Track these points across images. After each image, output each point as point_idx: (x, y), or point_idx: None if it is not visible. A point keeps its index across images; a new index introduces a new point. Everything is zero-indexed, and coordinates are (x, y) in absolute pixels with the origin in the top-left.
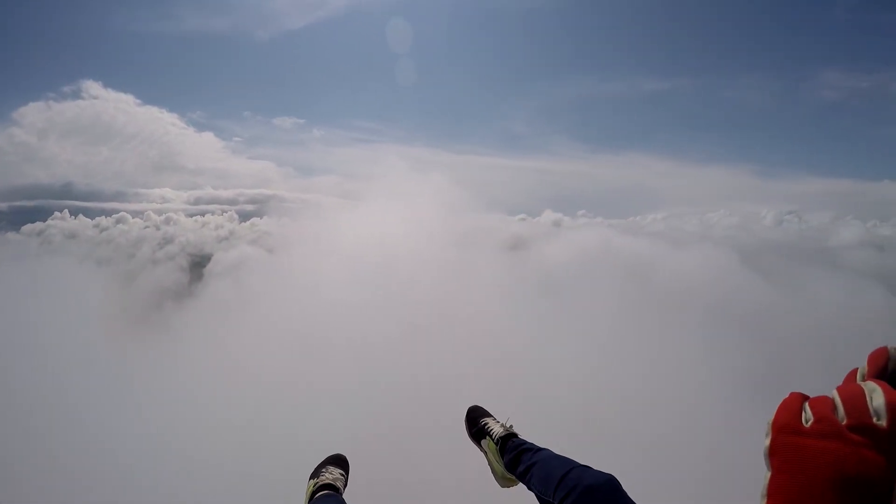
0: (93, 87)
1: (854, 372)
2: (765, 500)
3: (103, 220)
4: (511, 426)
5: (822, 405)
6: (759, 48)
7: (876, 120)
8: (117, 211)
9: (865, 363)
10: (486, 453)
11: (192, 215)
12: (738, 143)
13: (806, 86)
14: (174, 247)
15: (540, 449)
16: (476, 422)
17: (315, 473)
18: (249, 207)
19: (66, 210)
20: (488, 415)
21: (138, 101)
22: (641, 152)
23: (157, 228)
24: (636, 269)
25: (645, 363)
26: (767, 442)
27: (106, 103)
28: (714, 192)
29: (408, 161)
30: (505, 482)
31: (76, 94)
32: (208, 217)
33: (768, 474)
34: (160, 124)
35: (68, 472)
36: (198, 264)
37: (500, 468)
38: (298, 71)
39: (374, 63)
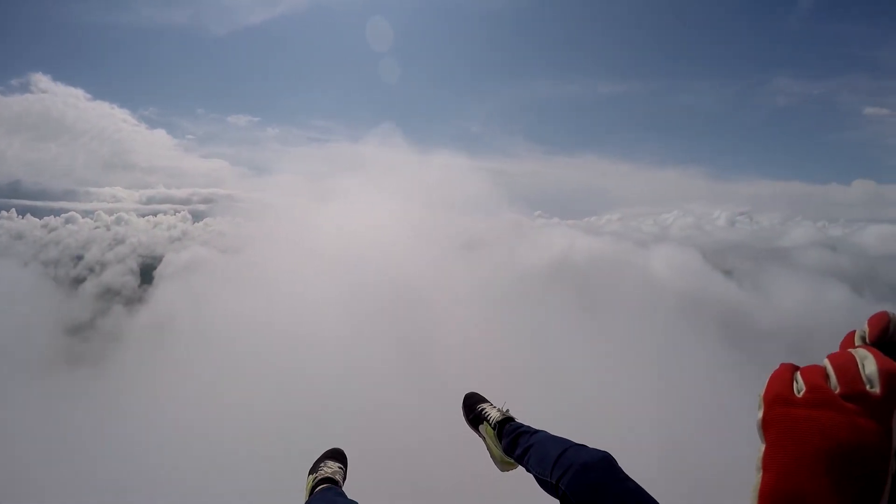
0: (42, 80)
1: (851, 334)
2: (760, 474)
3: (52, 220)
4: (507, 410)
5: (814, 374)
6: (713, 54)
7: (825, 126)
8: (66, 210)
9: (865, 325)
10: (484, 438)
11: (144, 215)
12: (692, 146)
13: (759, 91)
14: (125, 248)
15: (536, 431)
16: (473, 408)
17: (314, 468)
18: (203, 207)
19: (14, 209)
20: (485, 400)
21: (88, 95)
22: (596, 154)
23: (108, 229)
24: (604, 268)
25: (621, 361)
26: (760, 415)
27: (55, 98)
28: (667, 193)
29: (364, 160)
30: (504, 466)
31: (24, 88)
32: (161, 217)
33: (762, 447)
34: (111, 120)
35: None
36: (149, 266)
37: (498, 452)
38: (254, 68)
39: (331, 61)
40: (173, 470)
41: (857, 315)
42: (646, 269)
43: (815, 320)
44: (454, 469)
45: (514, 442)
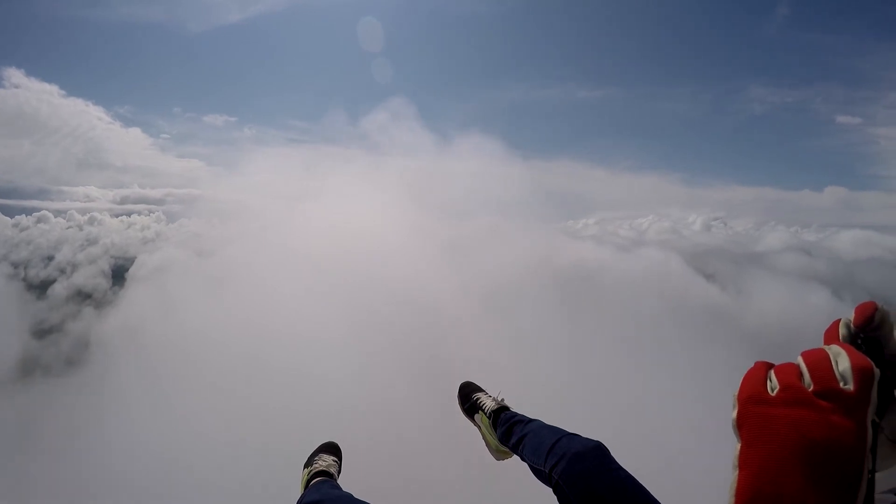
0: (15, 75)
1: (837, 322)
2: (736, 472)
3: (23, 220)
4: (503, 399)
5: (788, 372)
6: (690, 61)
7: (798, 133)
8: (39, 209)
9: (851, 313)
10: (479, 427)
11: (117, 215)
12: (667, 152)
13: (734, 99)
14: (97, 249)
15: (531, 420)
16: (468, 397)
17: (308, 462)
18: (178, 208)
19: None
20: (480, 389)
21: (63, 92)
22: (572, 158)
23: (81, 229)
24: (587, 271)
25: (606, 363)
26: (734, 414)
27: (28, 93)
28: (643, 197)
29: (341, 162)
30: (499, 455)
31: None
32: (135, 217)
33: (738, 446)
34: (85, 118)
35: None
36: (121, 268)
37: (493, 441)
38: (232, 67)
39: (309, 62)
40: (146, 477)
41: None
42: (629, 273)
43: (799, 324)
44: (447, 461)
45: (509, 431)
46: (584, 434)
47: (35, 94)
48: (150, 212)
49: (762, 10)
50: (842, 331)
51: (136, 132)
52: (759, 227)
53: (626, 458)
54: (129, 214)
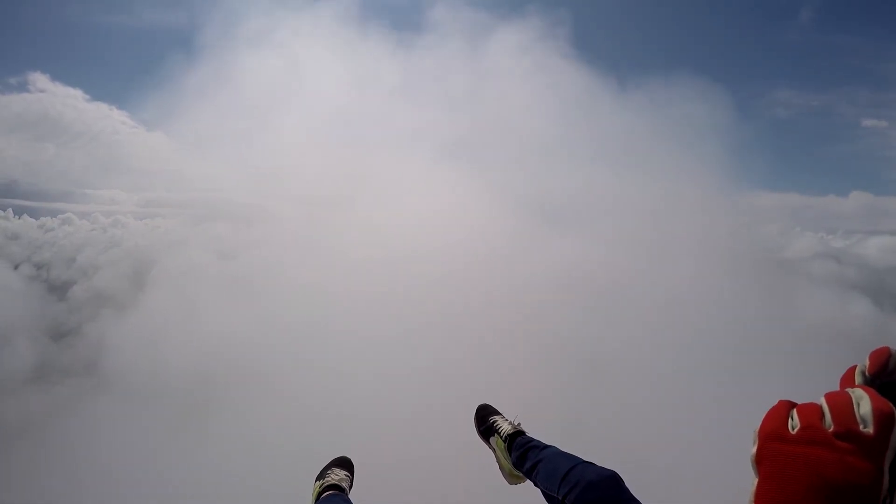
0: (40, 79)
1: (853, 369)
2: None
3: (49, 221)
4: (519, 424)
5: (809, 412)
6: (713, 65)
7: (824, 138)
8: (64, 211)
9: (866, 360)
10: (494, 451)
11: (142, 218)
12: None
13: (758, 103)
14: (120, 251)
15: (546, 446)
16: (485, 420)
17: (321, 475)
18: (202, 211)
19: (10, 209)
20: (497, 413)
21: (87, 96)
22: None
23: (105, 231)
24: (621, 277)
25: (645, 369)
26: (754, 450)
27: (54, 97)
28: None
29: (367, 165)
30: (513, 479)
31: (22, 87)
32: (159, 221)
33: (756, 481)
34: (109, 122)
35: None
36: (143, 271)
37: (508, 465)
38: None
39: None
40: (162, 481)
41: (882, 329)
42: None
43: (840, 332)
44: (459, 483)
45: (524, 456)
46: (622, 447)
47: (60, 98)
48: (175, 215)
49: (785, 14)
50: (858, 379)
51: (160, 136)
52: (784, 233)
53: (664, 465)
54: (153, 217)
